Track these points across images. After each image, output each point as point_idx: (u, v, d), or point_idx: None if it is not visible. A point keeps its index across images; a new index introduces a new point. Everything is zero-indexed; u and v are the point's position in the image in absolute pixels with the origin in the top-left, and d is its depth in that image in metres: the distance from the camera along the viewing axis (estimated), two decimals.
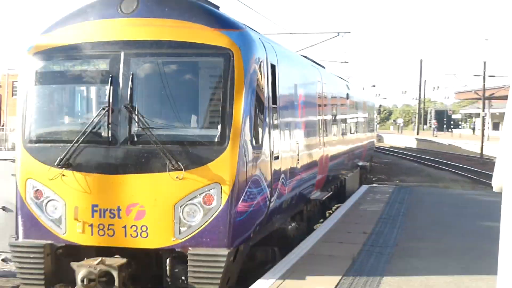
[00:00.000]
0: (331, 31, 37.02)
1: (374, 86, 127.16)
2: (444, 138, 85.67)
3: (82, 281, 10.68)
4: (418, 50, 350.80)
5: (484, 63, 68.27)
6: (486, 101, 76.85)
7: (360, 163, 30.69)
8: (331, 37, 36.60)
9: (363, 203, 21.76)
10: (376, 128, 53.77)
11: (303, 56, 20.87)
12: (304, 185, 16.47)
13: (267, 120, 12.43)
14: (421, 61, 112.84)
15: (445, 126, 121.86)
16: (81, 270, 10.76)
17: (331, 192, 21.06)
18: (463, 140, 79.21)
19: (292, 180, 14.66)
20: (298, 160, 15.30)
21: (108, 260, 10.84)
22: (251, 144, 11.51)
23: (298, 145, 15.45)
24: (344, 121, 24.53)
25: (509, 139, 5.88)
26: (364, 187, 27.05)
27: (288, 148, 14.39)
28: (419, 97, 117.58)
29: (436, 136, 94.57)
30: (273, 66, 13.09)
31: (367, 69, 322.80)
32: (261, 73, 12.12)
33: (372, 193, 24.81)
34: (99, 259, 10.85)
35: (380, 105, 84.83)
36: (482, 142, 61.09)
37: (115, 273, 10.72)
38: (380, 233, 15.95)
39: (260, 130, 11.98)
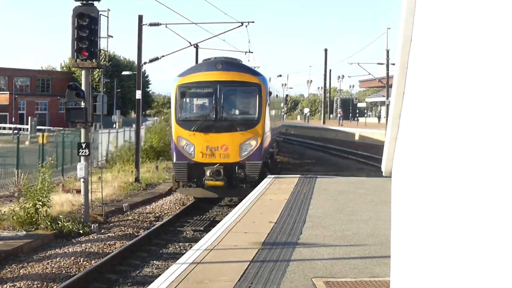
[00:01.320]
0: (235, 20, 36.79)
1: (280, 76, 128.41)
2: (350, 127, 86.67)
3: (209, 174, 25.53)
4: (322, 39, 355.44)
5: (387, 51, 69.41)
6: (390, 89, 78.14)
7: (277, 138, 45.86)
8: (234, 27, 36.56)
9: (269, 193, 21.96)
10: (284, 118, 57.72)
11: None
12: (271, 143, 32.78)
13: (268, 112, 28.06)
14: (326, 51, 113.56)
15: (350, 115, 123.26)
16: (208, 169, 25.65)
17: (275, 150, 38.76)
18: (369, 128, 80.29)
19: (271, 139, 30.86)
20: (272, 130, 31.66)
21: (218, 166, 25.60)
22: (267, 122, 27.50)
23: (272, 124, 31.80)
24: (275, 110, 38.42)
25: (394, 126, 6.03)
26: (270, 177, 27.24)
27: (272, 124, 31.15)
28: (324, 86, 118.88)
29: (342, 125, 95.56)
30: (269, 90, 28.78)
31: (272, 59, 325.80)
32: (268, 93, 28.07)
33: (278, 183, 25.01)
34: (216, 165, 25.62)
35: (287, 95, 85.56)
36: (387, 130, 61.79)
37: (221, 171, 25.54)
38: (284, 223, 16.13)
39: (268, 116, 27.91)
